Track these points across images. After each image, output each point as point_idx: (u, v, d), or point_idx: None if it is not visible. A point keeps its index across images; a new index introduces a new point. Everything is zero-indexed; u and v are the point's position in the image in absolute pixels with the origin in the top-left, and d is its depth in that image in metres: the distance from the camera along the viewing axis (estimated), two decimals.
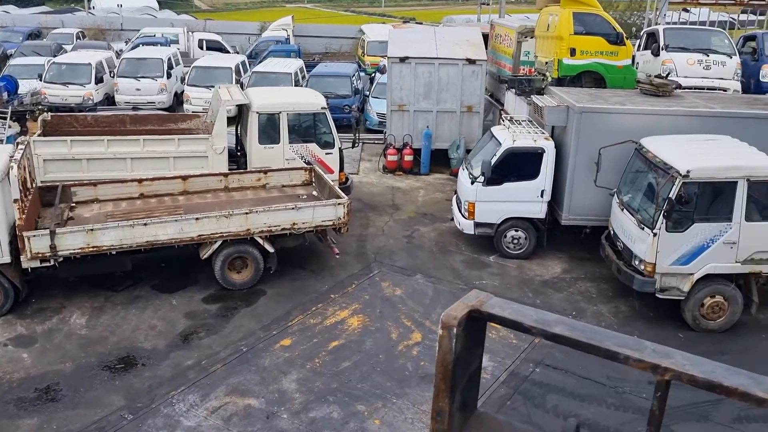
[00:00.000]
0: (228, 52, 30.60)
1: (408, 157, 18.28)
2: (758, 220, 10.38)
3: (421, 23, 39.14)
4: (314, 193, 13.18)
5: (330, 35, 39.27)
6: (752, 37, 17.65)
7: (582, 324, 1.48)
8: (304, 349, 10.10)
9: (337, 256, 12.33)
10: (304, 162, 13.87)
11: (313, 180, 13.47)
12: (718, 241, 10.43)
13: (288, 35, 33.68)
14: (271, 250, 11.63)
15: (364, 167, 18.98)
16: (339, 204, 11.76)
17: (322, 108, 14.11)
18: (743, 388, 1.19)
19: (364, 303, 11.51)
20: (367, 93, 24.36)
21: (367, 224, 14.82)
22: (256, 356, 9.87)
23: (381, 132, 20.43)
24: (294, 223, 11.59)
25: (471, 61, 17.82)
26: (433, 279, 12.40)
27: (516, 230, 13.14)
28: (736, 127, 11.86)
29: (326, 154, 14.10)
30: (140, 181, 12.55)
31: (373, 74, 27.98)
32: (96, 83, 22.41)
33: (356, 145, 15.94)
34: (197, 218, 11.04)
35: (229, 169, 13.60)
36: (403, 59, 17.89)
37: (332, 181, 13.20)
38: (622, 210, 11.50)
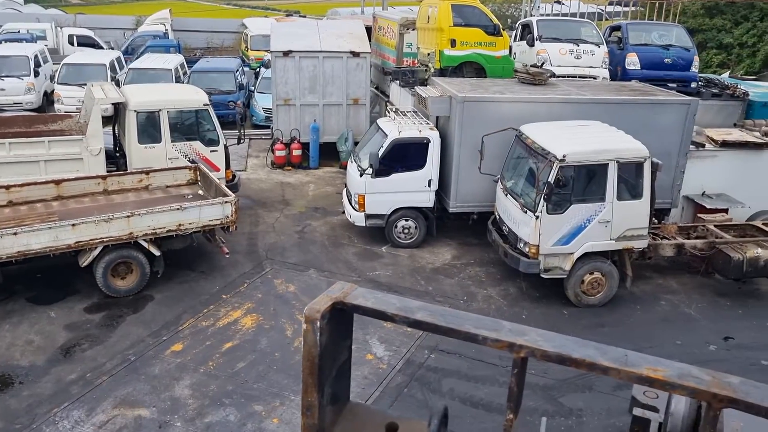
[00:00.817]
0: (101, 48, 29.10)
1: (296, 152, 18.13)
2: (628, 199, 11.04)
3: (305, 16, 38.86)
4: (200, 192, 12.79)
5: (211, 29, 38.24)
6: (617, 28, 18.71)
7: (443, 309, 1.49)
8: (197, 352, 9.81)
9: (227, 256, 12.04)
10: (189, 161, 13.43)
11: (199, 179, 13.08)
12: (593, 221, 11.02)
13: (166, 29, 32.46)
14: (157, 253, 11.20)
15: (252, 164, 18.64)
16: (226, 202, 11.48)
17: (204, 104, 13.71)
18: (590, 359, 1.24)
19: (257, 302, 11.31)
20: (252, 88, 23.93)
21: (258, 221, 14.57)
22: (145, 364, 9.48)
23: (268, 127, 20.15)
24: (180, 224, 11.20)
25: (355, 54, 17.87)
26: (326, 273, 12.37)
27: (406, 220, 13.34)
28: (605, 113, 12.56)
29: (211, 151, 13.72)
30: (8, 187, 11.70)
31: (257, 69, 27.50)
32: None
33: (242, 141, 15.62)
34: (74, 224, 10.43)
35: (108, 171, 12.96)
36: (286, 53, 17.68)
37: (219, 179, 12.87)
38: (506, 195, 11.92)
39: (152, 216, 10.97)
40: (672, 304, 11.92)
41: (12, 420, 8.29)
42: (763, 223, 13.06)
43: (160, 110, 13.28)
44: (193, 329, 10.42)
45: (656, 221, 12.74)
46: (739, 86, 16.66)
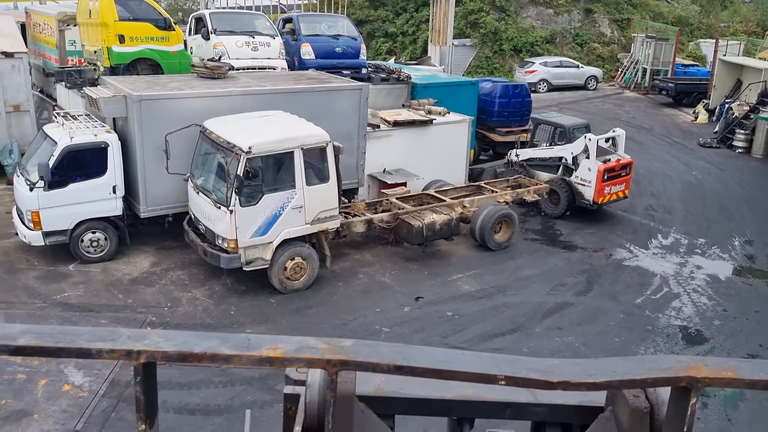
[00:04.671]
0: None
1: None
2: (317, 184, 11.51)
3: None
4: None
5: None
6: (290, 20, 19.33)
7: (51, 327, 1.29)
8: None
9: None
10: None
11: None
12: (287, 208, 11.28)
13: None
14: None
15: None
16: None
17: None
18: (211, 351, 1.16)
19: None
20: None
21: None
22: None
23: None
24: None
25: (8, 54, 15.83)
26: (2, 305, 10.83)
27: (93, 232, 12.26)
28: (286, 102, 12.90)
29: None
30: None
31: None
32: None
33: None
34: None
35: None
36: None
37: None
38: (198, 193, 11.62)
39: None
40: (369, 275, 12.79)
41: None
42: (435, 191, 14.67)
43: None
44: None
45: (346, 201, 13.53)
46: (403, 71, 18.40)
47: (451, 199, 14.34)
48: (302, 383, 1.52)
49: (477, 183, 16.01)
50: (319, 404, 1.33)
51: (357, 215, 13.24)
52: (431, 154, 15.46)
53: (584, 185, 15.65)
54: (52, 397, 8.68)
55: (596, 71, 34.95)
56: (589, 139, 15.43)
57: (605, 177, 15.43)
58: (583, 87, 33.91)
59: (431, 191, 14.75)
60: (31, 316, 10.46)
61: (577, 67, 34.20)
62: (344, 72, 17.04)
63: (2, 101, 15.91)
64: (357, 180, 14.36)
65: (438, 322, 11.22)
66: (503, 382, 1.02)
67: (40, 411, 8.43)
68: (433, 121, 15.71)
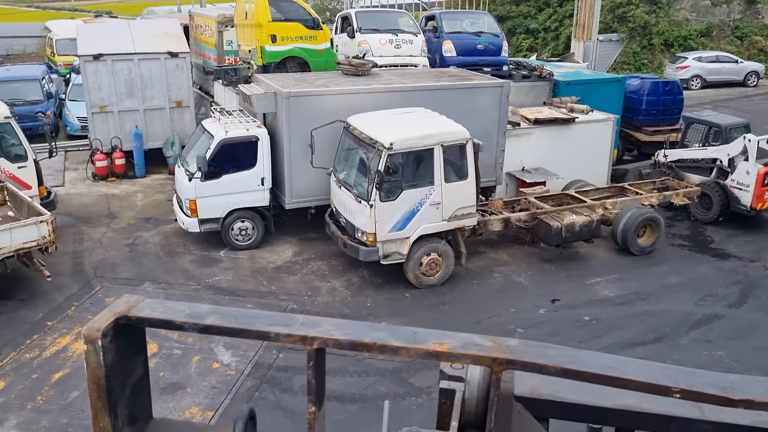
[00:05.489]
0: None
1: (119, 161, 17.09)
2: (455, 181, 11.54)
3: (116, 17, 36.71)
4: (10, 213, 11.66)
5: (9, 35, 34.95)
6: (432, 17, 19.47)
7: (235, 310, 1.42)
8: (22, 388, 8.96)
9: (49, 279, 11.09)
10: None
11: (7, 199, 11.92)
12: (425, 204, 11.40)
13: None
14: None
15: (71, 177, 17.33)
16: (41, 222, 10.56)
17: (5, 117, 12.49)
18: (381, 342, 1.22)
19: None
20: (63, 96, 22.21)
21: (82, 238, 13.57)
22: None
23: (85, 137, 18.79)
24: None
25: (173, 54, 17.13)
26: (163, 285, 11.79)
27: (242, 221, 13.04)
28: (427, 99, 13.02)
29: (19, 168, 12.55)
30: None
31: (67, 75, 25.56)
32: None
33: (54, 154, 14.40)
34: None
35: None
36: (97, 56, 16.57)
37: (31, 197, 11.81)
38: (340, 187, 12.01)
39: None
40: (504, 275, 12.66)
41: None
42: (576, 192, 14.23)
43: None
44: (16, 363, 9.50)
45: (483, 199, 13.45)
46: (545, 68, 17.98)
47: (592, 200, 13.87)
48: (457, 379, 1.55)
49: (620, 184, 15.35)
50: (478, 401, 1.36)
51: (494, 213, 13.13)
52: (572, 153, 15.01)
53: (741, 189, 14.54)
54: (203, 373, 9.34)
55: (758, 66, 32.28)
56: (749, 140, 14.32)
57: (765, 181, 14.26)
58: (741, 84, 31.46)
59: (571, 191, 14.33)
60: (187, 297, 11.29)
61: (736, 62, 31.76)
62: (485, 69, 16.91)
63: (167, 98, 17.26)
64: (495, 178, 14.24)
65: (574, 326, 10.90)
66: (678, 395, 1.00)
67: (192, 385, 9.11)
68: (576, 120, 15.24)
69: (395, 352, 1.23)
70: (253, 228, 13.11)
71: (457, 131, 11.51)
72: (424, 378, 9.41)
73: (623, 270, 12.96)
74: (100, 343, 1.38)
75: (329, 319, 1.42)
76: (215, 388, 9.07)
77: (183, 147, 15.10)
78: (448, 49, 17.76)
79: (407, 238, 11.46)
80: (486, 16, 20.10)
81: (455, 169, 11.59)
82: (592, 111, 15.65)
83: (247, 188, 12.79)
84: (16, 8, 60.89)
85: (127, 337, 1.46)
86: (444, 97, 13.31)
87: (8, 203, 11.90)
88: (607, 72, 27.91)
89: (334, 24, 18.79)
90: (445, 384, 1.56)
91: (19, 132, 12.55)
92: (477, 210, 12.19)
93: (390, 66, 16.26)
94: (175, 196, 13.70)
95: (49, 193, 13.29)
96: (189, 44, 18.36)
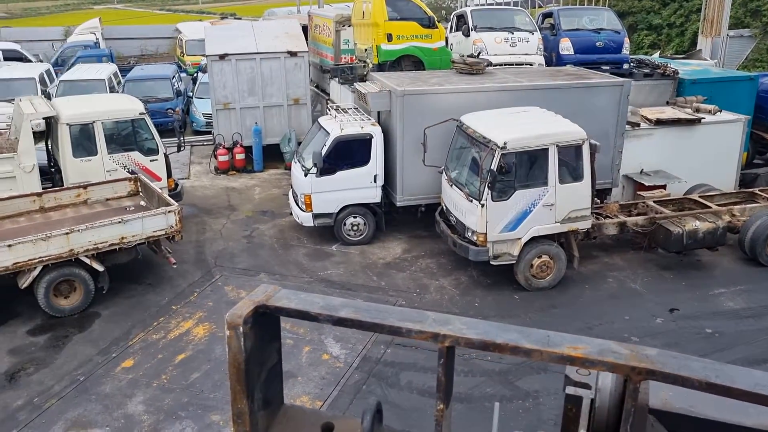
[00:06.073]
0: (29, 61, 28.12)
1: (240, 156, 17.89)
2: (569, 182, 11.24)
3: (240, 18, 38.36)
4: (142, 203, 12.50)
5: (144, 36, 37.39)
6: (549, 14, 19.01)
7: (367, 304, 1.47)
8: (149, 367, 9.59)
9: (175, 266, 11.80)
10: (128, 172, 13.10)
11: (140, 190, 12.77)
12: (538, 205, 11.19)
13: (97, 39, 31.58)
14: (100, 268, 10.89)
15: (195, 171, 18.32)
16: (169, 212, 11.24)
17: (140, 113, 13.38)
18: (513, 343, 1.23)
19: (208, 310, 11.13)
20: (191, 94, 23.51)
21: (204, 229, 14.33)
22: (95, 384, 9.22)
23: (209, 133, 19.82)
24: (123, 237, 10.92)
25: (292, 54, 17.72)
26: (277, 276, 12.24)
27: (354, 217, 13.31)
28: (543, 98, 12.75)
29: (151, 161, 13.41)
30: None
31: (195, 74, 27.02)
32: None
33: (182, 149, 15.30)
34: (9, 245, 10.07)
35: (43, 188, 12.55)
36: (222, 56, 17.41)
37: (161, 188, 12.60)
38: (451, 186, 12.00)
39: (93, 231, 10.66)
40: (618, 280, 12.20)
41: None
42: (699, 196, 13.49)
43: (94, 122, 12.91)
44: (144, 343, 10.18)
45: (598, 201, 13.03)
46: (669, 65, 17.14)
47: (717, 205, 13.11)
48: (584, 385, 1.53)
49: (750, 189, 14.40)
50: (610, 410, 1.33)
51: (609, 217, 12.69)
52: (697, 155, 14.23)
53: None
54: (313, 364, 9.63)
55: None
56: None
57: None
58: None
59: (694, 196, 13.59)
60: (300, 290, 11.65)
61: None
62: (603, 67, 16.34)
63: (285, 95, 17.89)
64: (611, 180, 13.75)
65: (695, 338, 10.35)
66: None
67: (303, 374, 9.41)
68: (702, 120, 14.43)
69: (528, 355, 1.23)
70: (364, 224, 13.35)
71: (573, 131, 11.21)
72: (531, 382, 9.25)
73: (751, 281, 12.16)
74: (241, 329, 1.46)
75: (460, 317, 1.44)
76: (324, 379, 9.32)
77: (299, 143, 15.60)
78: (566, 47, 17.30)
79: (519, 239, 11.28)
80: (606, 12, 19.40)
81: (570, 170, 11.30)
82: (720, 111, 14.77)
83: (360, 185, 13.04)
84: (150, 11, 64.92)
85: (265, 325, 1.54)
86: (560, 97, 12.99)
87: (141, 194, 12.75)
88: (738, 70, 26.21)
89: (449, 22, 18.75)
90: (571, 390, 1.53)
91: (152, 127, 13.41)
92: (591, 213, 11.82)
93: (505, 64, 16.06)
94: (290, 190, 14.18)
95: (177, 185, 14.11)
96: (307, 44, 18.91)
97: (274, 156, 18.11)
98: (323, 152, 12.58)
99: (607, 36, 17.56)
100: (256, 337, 1.51)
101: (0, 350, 10.02)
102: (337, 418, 1.63)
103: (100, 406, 8.74)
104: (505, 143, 10.72)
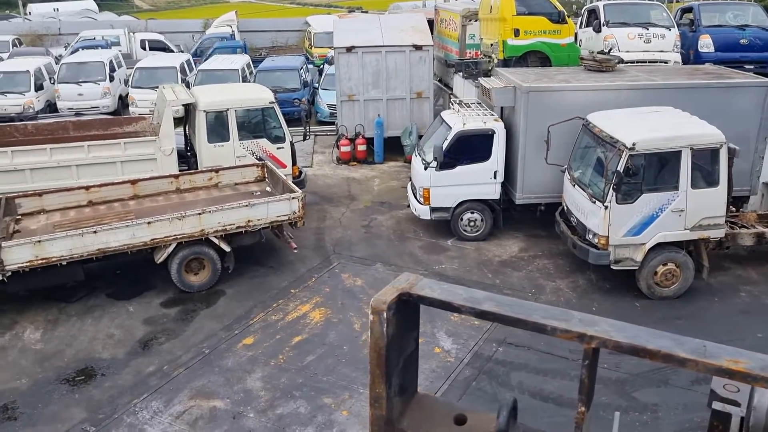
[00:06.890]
0: (172, 51, 30.02)
1: (361, 147, 18.24)
2: (703, 187, 10.63)
3: (367, 12, 39.02)
4: (268, 188, 13.05)
5: (275, 29, 38.87)
6: (689, 9, 18.03)
7: (510, 299, 1.47)
8: (267, 346, 10.03)
9: (295, 251, 12.24)
10: (256, 158, 13.72)
11: (266, 176, 13.34)
12: (666, 210, 10.66)
13: (233, 31, 33.21)
14: (227, 249, 11.49)
15: (318, 160, 18.88)
16: (293, 198, 11.67)
17: (270, 102, 13.96)
18: (666, 350, 1.20)
19: (325, 296, 11.46)
20: (317, 85, 24.21)
21: (324, 216, 14.76)
22: (218, 357, 9.76)
23: (332, 123, 20.35)
24: (249, 221, 11.46)
25: (417, 47, 17.82)
26: (392, 267, 12.41)
27: (472, 212, 13.24)
28: (677, 98, 12.11)
29: (277, 148, 13.97)
30: (87, 188, 12.24)
31: (321, 66, 27.79)
32: (36, 90, 21.80)
33: (307, 138, 15.82)
34: (149, 222, 10.83)
35: (180, 170, 13.38)
36: (349, 49, 17.80)
37: (285, 175, 13.08)
38: (574, 186, 11.67)
39: (222, 213, 11.26)
40: (752, 295, 11.42)
41: (95, 410, 8.68)
42: None
43: (228, 110, 13.61)
44: (264, 323, 10.65)
45: (734, 209, 12.24)
46: None
47: None
48: (733, 402, 1.46)
49: None
50: (766, 430, 1.27)
51: (745, 227, 11.89)
52: None
53: None
54: (424, 356, 9.69)
55: None
56: None
57: None
58: None
59: None
60: None
61: None
62: (747, 67, 15.29)
63: (408, 88, 18.04)
64: (749, 187, 12.86)
65: None
66: None
67: None
68: None
69: (682, 364, 1.19)
70: (481, 220, 13.25)
71: (710, 133, 10.58)
72: (650, 394, 8.87)
73: None
74: (384, 315, 1.51)
75: (606, 319, 1.41)
76: (434, 372, 9.37)
77: (420, 137, 15.70)
78: (705, 44, 16.36)
79: (643, 244, 10.81)
80: (753, 7, 18.16)
81: (704, 175, 10.68)
82: None
83: (480, 180, 12.95)
84: (282, 5, 67.37)
85: (406, 312, 1.58)
86: (696, 97, 12.29)
87: (266, 180, 13.31)
88: None
89: (580, 17, 18.19)
90: (719, 406, 1.47)
91: (280, 116, 13.96)
92: (726, 221, 11.12)
93: (637, 62, 15.39)
94: (409, 183, 14.31)
95: (301, 172, 14.61)
96: (432, 38, 18.95)
97: (394, 148, 18.33)
98: (444, 146, 12.59)
99: (752, 33, 16.45)
100: (398, 323, 1.55)
101: (136, 319, 10.82)
102: (470, 412, 1.64)
103: (222, 379, 9.24)
104: (634, 144, 10.28)
